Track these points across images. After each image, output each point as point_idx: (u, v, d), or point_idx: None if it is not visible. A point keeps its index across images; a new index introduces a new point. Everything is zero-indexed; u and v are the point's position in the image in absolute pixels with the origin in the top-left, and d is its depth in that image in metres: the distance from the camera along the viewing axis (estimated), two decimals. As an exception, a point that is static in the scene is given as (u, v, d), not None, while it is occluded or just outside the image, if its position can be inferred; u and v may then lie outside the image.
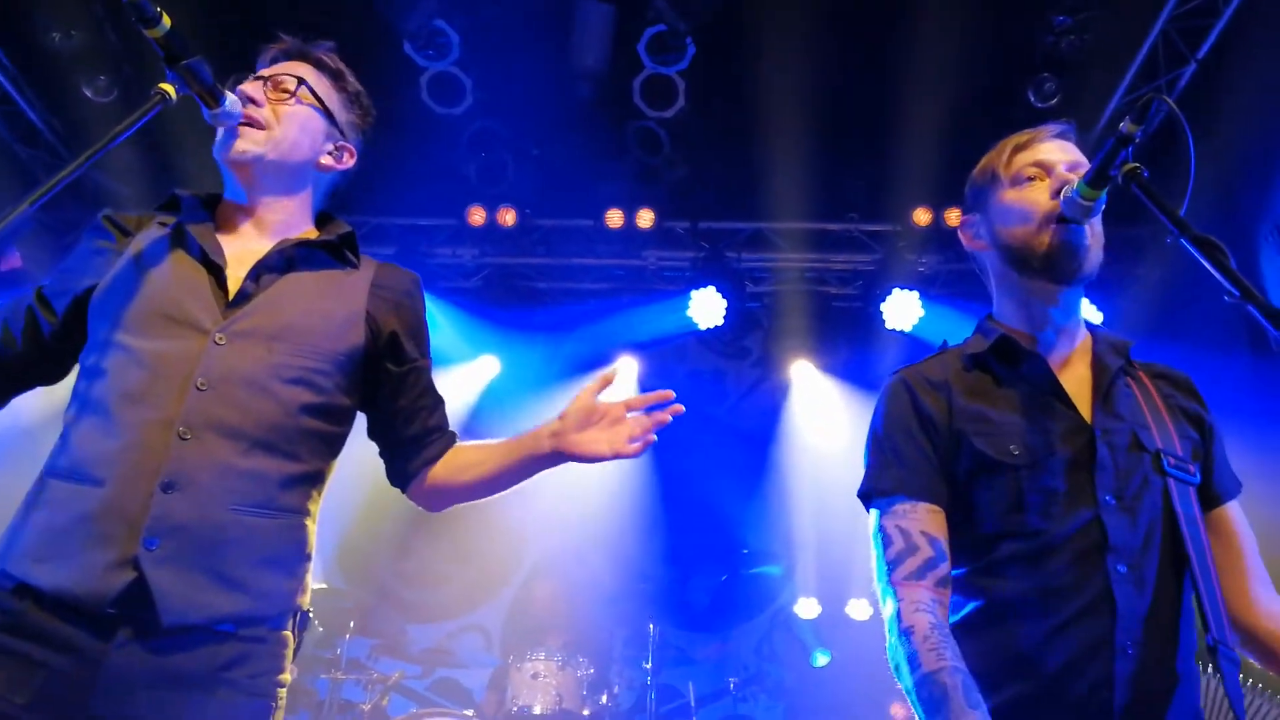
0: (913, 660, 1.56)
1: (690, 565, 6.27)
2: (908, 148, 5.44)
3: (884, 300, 5.92)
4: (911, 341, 5.92)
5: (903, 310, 5.87)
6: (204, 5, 4.39)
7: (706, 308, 6.01)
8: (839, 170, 5.93)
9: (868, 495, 1.79)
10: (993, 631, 1.64)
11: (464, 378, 6.31)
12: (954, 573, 1.70)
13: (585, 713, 4.91)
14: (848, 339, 6.35)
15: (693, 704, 5.29)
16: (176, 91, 1.65)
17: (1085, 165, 1.77)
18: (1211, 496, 1.79)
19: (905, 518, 1.70)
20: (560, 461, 1.86)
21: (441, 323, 6.12)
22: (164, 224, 1.87)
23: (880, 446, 1.80)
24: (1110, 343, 1.85)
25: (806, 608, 6.07)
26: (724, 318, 6.02)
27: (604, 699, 4.98)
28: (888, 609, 1.66)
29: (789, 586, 6.08)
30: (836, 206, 6.17)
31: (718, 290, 5.99)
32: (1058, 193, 1.72)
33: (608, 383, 1.89)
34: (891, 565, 1.67)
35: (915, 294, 5.90)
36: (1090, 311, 5.68)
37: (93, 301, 1.75)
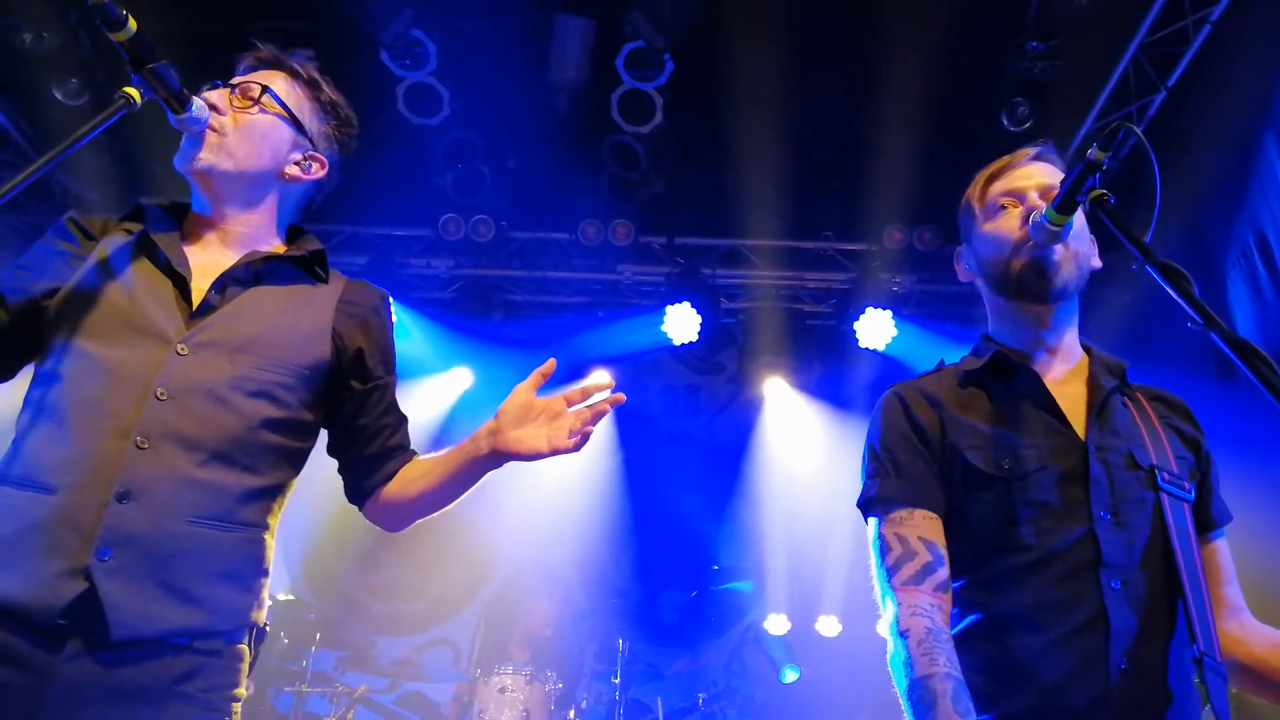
0: (907, 664, 1.58)
1: (661, 580, 6.25)
2: (882, 168, 5.49)
3: (857, 319, 5.94)
4: (884, 360, 5.96)
5: (876, 329, 5.90)
6: (181, 13, 4.37)
7: (681, 323, 6.02)
8: (814, 189, 5.97)
9: (867, 505, 1.81)
10: (990, 645, 1.65)
11: (437, 389, 6.27)
12: (954, 585, 1.72)
13: (552, 728, 4.87)
14: (821, 356, 6.37)
15: (662, 719, 5.26)
16: (142, 96, 1.62)
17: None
18: (1207, 522, 1.81)
19: (903, 524, 1.72)
20: (501, 462, 1.81)
21: (415, 333, 6.08)
22: (129, 231, 1.83)
23: (876, 457, 1.82)
24: (1105, 363, 1.87)
25: (776, 624, 6.06)
26: (698, 333, 6.03)
27: (571, 714, 4.94)
28: (887, 614, 1.67)
29: (759, 603, 6.07)
30: (811, 225, 6.21)
31: (692, 306, 5.99)
32: (1028, 219, 1.74)
33: (544, 377, 1.83)
34: (890, 571, 1.69)
35: (889, 313, 5.93)
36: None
37: (53, 306, 1.71)
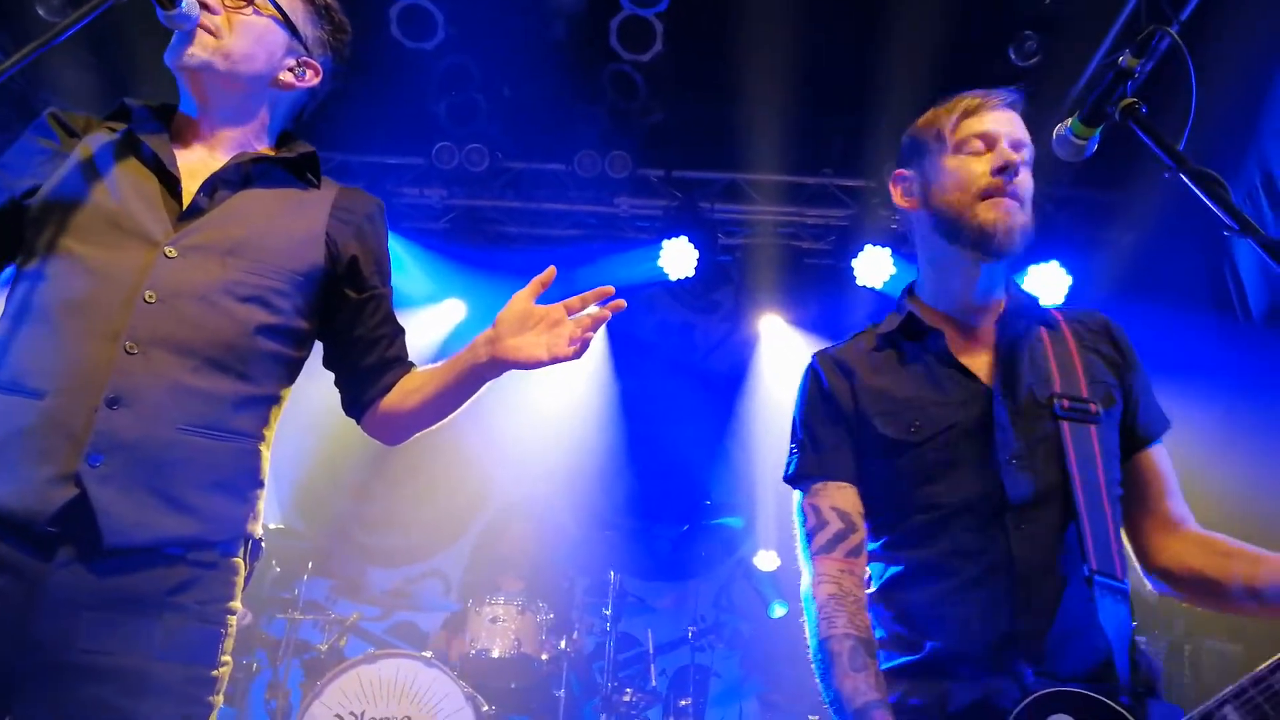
0: (813, 628, 1.72)
1: (653, 515, 6.27)
2: (886, 104, 5.36)
3: (856, 256, 5.88)
4: (881, 299, 5.91)
5: (874, 267, 5.85)
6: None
7: (678, 258, 5.95)
8: (816, 124, 5.85)
9: (789, 480, 1.90)
10: (907, 594, 1.73)
11: (429, 320, 6.22)
12: (874, 544, 1.81)
13: (544, 657, 4.91)
14: (818, 294, 6.32)
15: (651, 652, 5.32)
16: (130, -16, 1.54)
17: (1028, 144, 1.82)
18: (1137, 437, 1.82)
19: (818, 495, 1.82)
20: (500, 370, 1.77)
21: (407, 264, 6.00)
22: (114, 130, 1.76)
23: (796, 434, 1.92)
24: (1019, 301, 1.89)
25: (766, 560, 6.10)
26: (695, 269, 5.96)
27: (563, 644, 4.97)
28: (804, 581, 1.79)
29: (749, 539, 6.10)
30: (812, 160, 6.10)
31: (690, 240, 5.92)
32: (1000, 170, 1.75)
33: (544, 285, 1.78)
34: (806, 540, 1.80)
35: (887, 251, 5.87)
36: (1060, 275, 5.70)
37: (34, 204, 1.64)
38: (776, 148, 5.75)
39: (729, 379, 6.54)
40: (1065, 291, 5.65)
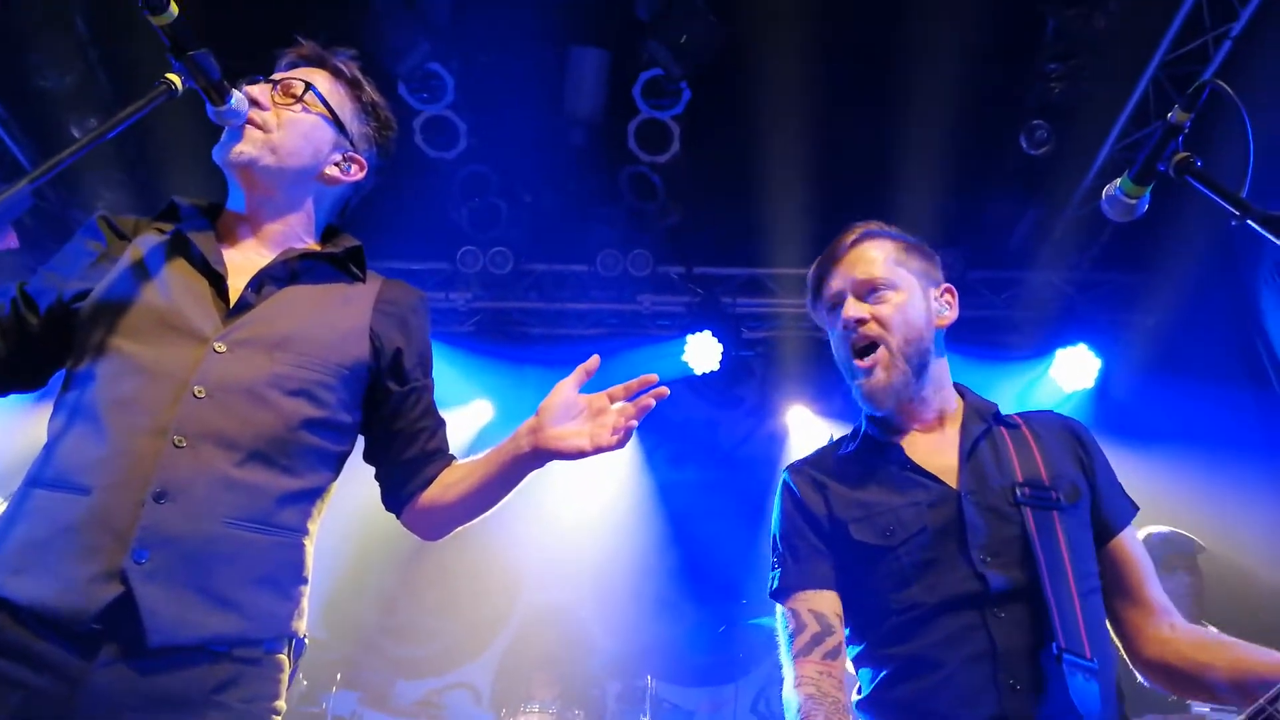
0: None
1: (687, 616, 6.10)
2: (902, 194, 5.44)
3: (881, 346, 5.86)
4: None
5: (899, 356, 5.81)
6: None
7: (702, 352, 5.95)
8: (834, 216, 5.89)
9: (773, 595, 1.94)
10: (897, 691, 1.75)
11: (457, 422, 6.19)
12: (859, 646, 1.85)
13: (581, 767, 4.71)
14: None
15: (690, 760, 5.10)
16: (183, 83, 1.58)
17: (876, 275, 1.91)
18: (1106, 527, 1.85)
19: (797, 601, 1.86)
20: (543, 460, 1.73)
21: (435, 366, 6.01)
22: (162, 230, 1.78)
23: (776, 549, 1.96)
24: (976, 407, 1.97)
25: (805, 661, 5.90)
26: (720, 362, 5.95)
27: (600, 755, 4.78)
28: (786, 683, 1.81)
29: (787, 639, 5.90)
30: (831, 253, 6.15)
31: (713, 335, 5.92)
32: (847, 334, 1.89)
33: (589, 374, 1.76)
34: (787, 644, 1.84)
35: (911, 340, 5.83)
36: (1089, 357, 5.65)
37: (85, 308, 1.65)
38: (795, 241, 5.81)
39: (758, 473, 6.45)
40: (1096, 374, 5.60)
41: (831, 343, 1.98)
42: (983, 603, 1.69)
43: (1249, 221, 1.21)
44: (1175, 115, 1.40)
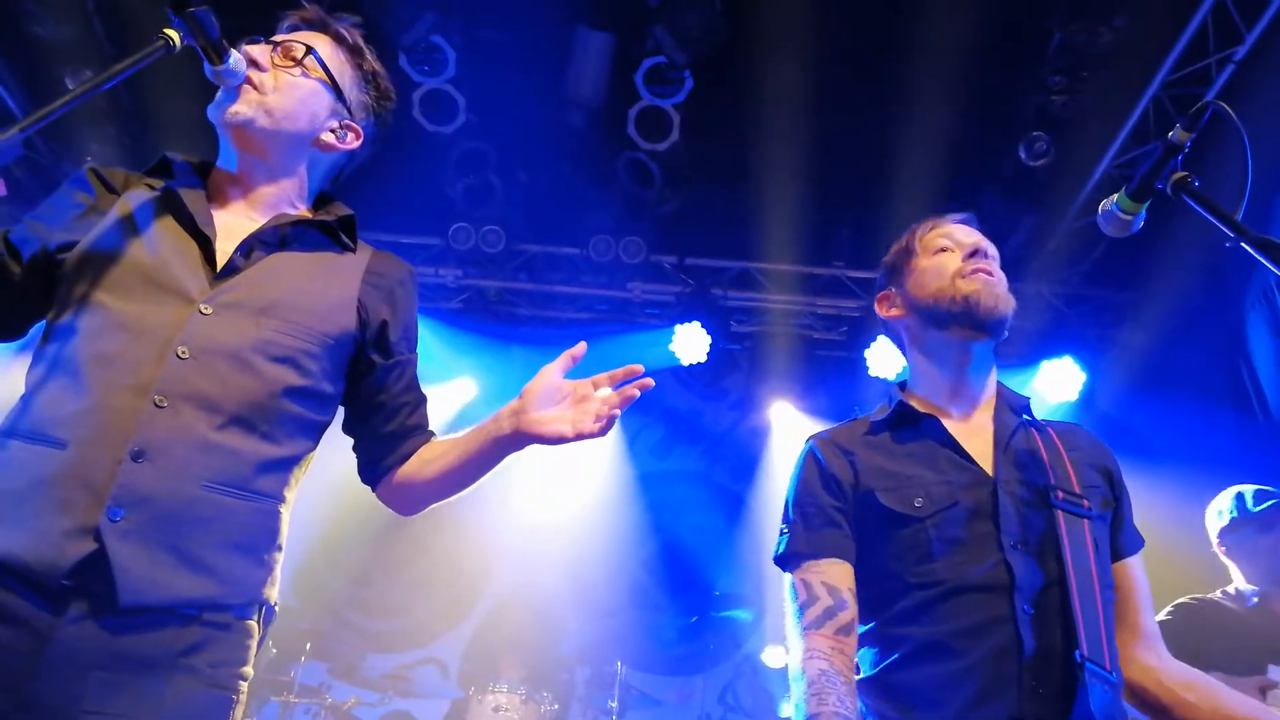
0: (801, 704, 1.67)
1: (659, 605, 6.12)
2: (897, 197, 5.44)
3: (869, 346, 5.88)
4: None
5: (887, 358, 5.84)
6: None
7: (690, 343, 5.95)
8: (828, 216, 5.92)
9: (780, 560, 1.89)
10: (909, 675, 1.71)
11: (440, 399, 6.18)
12: (871, 623, 1.80)
13: (546, 751, 4.73)
14: (830, 383, 6.30)
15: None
16: (181, 40, 1.55)
17: (990, 246, 1.98)
18: (1116, 551, 1.86)
19: (809, 572, 1.81)
20: (523, 443, 1.71)
21: (420, 341, 5.99)
22: (153, 186, 1.76)
23: (789, 515, 1.91)
24: (1010, 400, 1.97)
25: (774, 656, 5.93)
26: (707, 354, 5.95)
27: (565, 738, 4.79)
28: (792, 656, 1.76)
29: (757, 633, 5.94)
30: (824, 251, 6.16)
31: (702, 326, 5.92)
32: (969, 255, 1.91)
33: (575, 360, 1.74)
34: (797, 615, 1.78)
35: (899, 342, 5.85)
36: (1074, 370, 5.68)
37: (70, 260, 1.63)
38: (789, 238, 5.81)
39: (739, 467, 6.47)
40: (1080, 388, 5.63)
41: (929, 270, 1.96)
42: (1009, 596, 1.66)
43: (1243, 244, 1.21)
44: (1176, 134, 1.40)
